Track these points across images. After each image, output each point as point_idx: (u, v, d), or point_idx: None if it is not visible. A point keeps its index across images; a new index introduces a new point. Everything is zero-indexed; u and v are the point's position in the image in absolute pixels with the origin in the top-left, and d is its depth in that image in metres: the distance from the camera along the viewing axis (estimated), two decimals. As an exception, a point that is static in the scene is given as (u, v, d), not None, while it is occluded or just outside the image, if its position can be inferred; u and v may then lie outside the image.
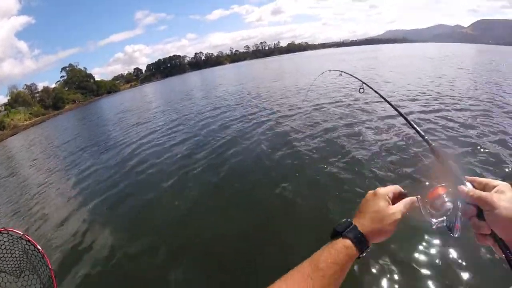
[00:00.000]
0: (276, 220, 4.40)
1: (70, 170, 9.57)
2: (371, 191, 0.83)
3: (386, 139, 6.51)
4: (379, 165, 5.37)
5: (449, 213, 0.76)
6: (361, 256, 0.73)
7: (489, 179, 0.73)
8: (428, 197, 0.80)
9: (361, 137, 6.84)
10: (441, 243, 3.28)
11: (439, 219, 0.77)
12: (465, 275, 2.88)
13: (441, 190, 0.78)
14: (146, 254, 4.23)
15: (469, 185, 0.74)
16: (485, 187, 0.71)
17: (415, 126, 1.11)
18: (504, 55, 34.35)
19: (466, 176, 0.77)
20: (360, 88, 2.13)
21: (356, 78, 2.46)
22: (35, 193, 8.19)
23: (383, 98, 1.59)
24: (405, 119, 1.23)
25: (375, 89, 1.79)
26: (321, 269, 0.66)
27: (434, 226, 0.77)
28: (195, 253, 4.05)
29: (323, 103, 10.89)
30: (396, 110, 1.38)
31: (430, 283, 2.86)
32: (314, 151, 6.57)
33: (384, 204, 0.78)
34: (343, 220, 0.77)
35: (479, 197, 0.67)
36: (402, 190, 0.84)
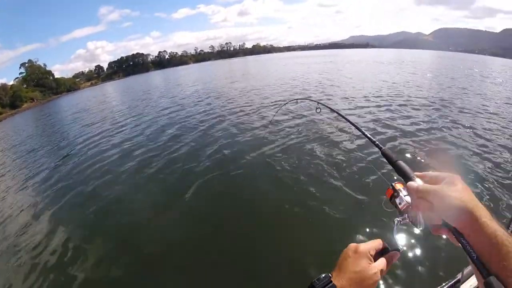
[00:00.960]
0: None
1: (24, 173, 9.57)
2: (352, 246, 0.79)
3: (343, 148, 6.68)
4: (335, 173, 5.53)
5: (410, 208, 0.78)
6: None
7: (439, 172, 0.76)
8: (386, 195, 0.84)
9: (319, 149, 6.90)
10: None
11: (401, 217, 0.79)
12: (422, 261, 3.27)
13: (396, 187, 0.82)
14: (105, 261, 4.22)
15: (418, 181, 0.77)
16: (436, 181, 0.74)
17: (366, 133, 1.19)
18: (458, 61, 37.39)
19: (416, 173, 0.81)
20: (317, 108, 2.19)
21: (313, 100, 2.67)
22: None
23: (336, 112, 1.68)
24: (358, 128, 1.32)
25: (329, 105, 1.94)
26: None
27: (397, 224, 0.80)
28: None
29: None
30: (348, 121, 1.47)
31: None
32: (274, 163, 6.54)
33: (366, 264, 0.76)
34: (322, 276, 0.75)
35: (427, 190, 0.71)
36: (384, 244, 0.82)
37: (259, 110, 11.82)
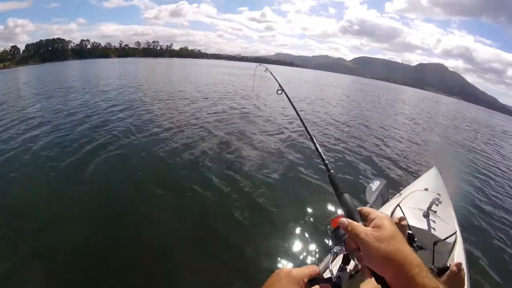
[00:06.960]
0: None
1: None
2: (284, 270, 0.70)
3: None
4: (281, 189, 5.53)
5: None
6: None
7: (371, 209, 0.73)
8: (331, 224, 0.81)
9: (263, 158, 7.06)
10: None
11: (339, 247, 0.76)
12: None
13: (341, 219, 0.76)
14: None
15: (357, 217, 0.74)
16: (367, 219, 0.71)
17: (319, 149, 1.10)
18: (372, 87, 45.62)
19: (359, 208, 0.77)
20: (278, 90, 2.07)
21: (277, 82, 2.30)
22: None
23: (293, 107, 1.68)
24: (312, 139, 1.21)
25: (289, 97, 1.89)
26: None
27: (334, 254, 0.78)
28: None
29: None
30: (308, 133, 1.31)
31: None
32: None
33: None
34: None
35: (354, 234, 0.67)
36: (319, 271, 0.74)
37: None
